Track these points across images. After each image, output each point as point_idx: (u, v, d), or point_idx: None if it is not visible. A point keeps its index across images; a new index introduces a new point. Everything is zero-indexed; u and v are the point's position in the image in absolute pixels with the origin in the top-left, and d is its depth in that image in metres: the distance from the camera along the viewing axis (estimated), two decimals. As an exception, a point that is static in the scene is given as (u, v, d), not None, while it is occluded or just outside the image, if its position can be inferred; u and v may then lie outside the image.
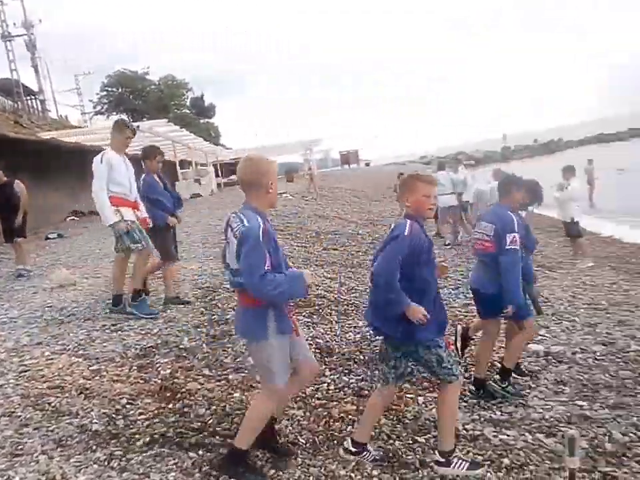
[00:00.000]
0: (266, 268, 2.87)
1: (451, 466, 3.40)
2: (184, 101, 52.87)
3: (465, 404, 4.42)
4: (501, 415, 4.23)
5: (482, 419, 4.16)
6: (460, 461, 3.45)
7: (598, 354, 5.35)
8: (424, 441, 3.84)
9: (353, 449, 3.52)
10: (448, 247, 12.04)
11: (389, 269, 3.19)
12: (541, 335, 5.97)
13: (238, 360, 4.88)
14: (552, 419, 4.10)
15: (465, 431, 3.96)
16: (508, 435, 3.90)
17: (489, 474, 3.42)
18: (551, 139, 64.52)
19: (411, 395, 4.50)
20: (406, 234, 3.22)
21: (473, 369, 4.83)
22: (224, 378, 4.55)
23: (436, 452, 3.49)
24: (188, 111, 52.16)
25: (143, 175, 6.36)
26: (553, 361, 5.26)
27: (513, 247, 4.30)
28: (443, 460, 3.42)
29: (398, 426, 4.04)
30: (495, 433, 3.93)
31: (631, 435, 3.79)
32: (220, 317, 5.83)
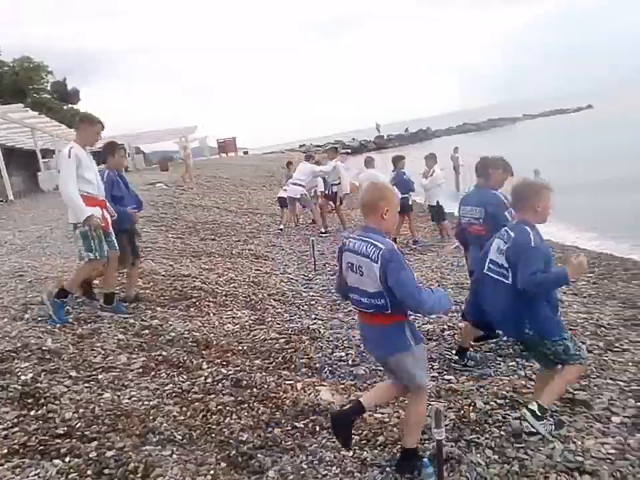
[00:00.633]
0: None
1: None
2: (44, 85, 48.92)
3: (342, 386, 4.52)
4: (376, 394, 4.36)
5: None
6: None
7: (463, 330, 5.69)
8: (302, 426, 3.88)
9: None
10: (281, 231, 12.10)
11: (536, 280, 3.34)
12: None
13: (109, 358, 4.62)
14: (424, 395, 4.30)
15: (342, 413, 4.04)
16: (383, 414, 4.04)
17: (365, 453, 3.52)
18: (420, 129, 67.88)
19: (290, 382, 4.52)
20: (534, 245, 3.41)
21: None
22: (93, 378, 4.29)
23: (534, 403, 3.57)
24: (49, 96, 48.36)
25: (106, 172, 5.92)
26: (425, 339, 5.52)
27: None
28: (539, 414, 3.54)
29: (277, 413, 4.04)
30: (371, 413, 4.04)
31: (492, 403, 4.07)
32: (88, 315, 5.48)
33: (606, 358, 4.81)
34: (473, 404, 4.07)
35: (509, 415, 3.88)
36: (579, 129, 41.74)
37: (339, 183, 12.33)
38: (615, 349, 5.01)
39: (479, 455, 3.45)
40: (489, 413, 3.94)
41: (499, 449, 3.51)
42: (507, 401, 4.10)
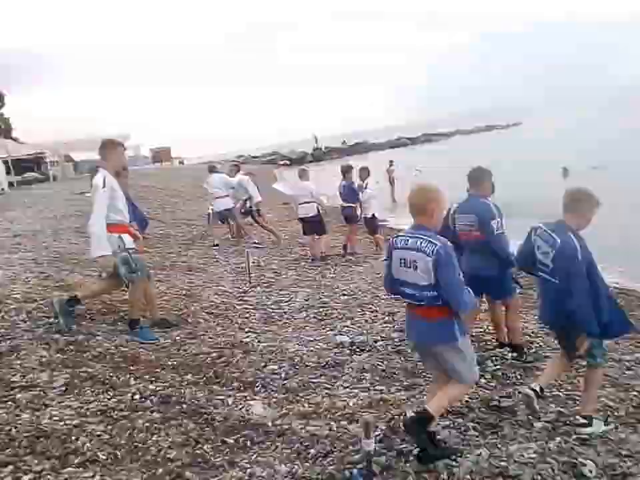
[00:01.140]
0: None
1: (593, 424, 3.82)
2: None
3: (275, 399, 4.48)
4: (308, 406, 4.35)
5: (290, 413, 4.24)
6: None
7: (396, 340, 5.78)
8: (233, 441, 3.81)
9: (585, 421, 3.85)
10: (217, 247, 11.76)
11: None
12: (347, 327, 6.31)
13: (29, 377, 4.39)
14: (355, 406, 4.33)
15: (273, 427, 4.00)
16: (315, 426, 4.02)
17: (296, 466, 3.49)
18: (357, 141, 68.80)
19: (221, 397, 4.43)
20: (581, 257, 3.65)
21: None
22: (10, 398, 4.05)
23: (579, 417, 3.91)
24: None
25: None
26: (357, 350, 5.57)
27: (500, 232, 4.79)
28: (585, 421, 3.85)
29: (207, 429, 3.95)
30: (302, 426, 4.03)
31: (421, 412, 4.13)
32: (6, 332, 5.19)
33: (530, 365, 4.99)
34: (403, 413, 4.12)
35: (438, 424, 3.94)
36: (507, 144, 43.54)
37: (248, 198, 12.47)
38: (538, 357, 5.21)
39: (408, 465, 3.49)
40: (419, 422, 3.99)
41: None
42: (437, 409, 4.17)
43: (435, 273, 3.28)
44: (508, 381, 4.71)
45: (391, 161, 24.31)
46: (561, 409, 4.12)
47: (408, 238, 3.45)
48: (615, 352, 5.17)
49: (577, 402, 4.18)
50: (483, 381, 4.67)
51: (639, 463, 3.42)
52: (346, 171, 11.14)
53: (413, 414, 3.61)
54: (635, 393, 4.40)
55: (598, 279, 3.74)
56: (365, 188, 10.97)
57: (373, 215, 11.02)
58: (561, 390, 4.48)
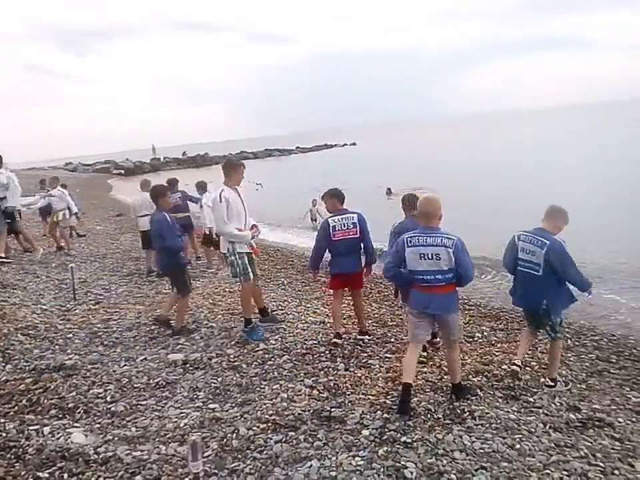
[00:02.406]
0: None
1: (557, 385, 5.01)
2: None
3: (98, 425, 4.16)
4: (136, 430, 4.11)
5: (115, 438, 3.96)
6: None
7: (232, 356, 5.70)
8: (47, 475, 3.46)
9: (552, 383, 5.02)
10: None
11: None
12: (180, 344, 6.09)
13: None
14: (186, 427, 4.17)
15: (96, 455, 3.70)
16: (142, 451, 3.80)
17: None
18: (198, 153, 67.66)
19: (35, 427, 4.01)
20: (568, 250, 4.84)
21: None
22: None
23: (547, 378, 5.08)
24: None
25: (162, 213, 6.57)
26: (190, 368, 5.40)
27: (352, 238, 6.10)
28: (552, 383, 5.01)
29: (17, 465, 3.54)
30: (129, 451, 3.78)
31: (254, 428, 4.11)
32: None
33: (359, 375, 5.20)
34: (236, 431, 4.06)
35: (270, 439, 3.93)
36: (341, 162, 45.85)
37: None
38: (367, 366, 5.46)
39: (240, 484, 3.43)
40: (252, 438, 3.96)
41: (258, 473, 3.53)
42: (270, 424, 4.17)
43: (455, 260, 4.33)
44: (339, 391, 4.85)
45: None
46: (387, 416, 4.32)
47: (427, 237, 4.43)
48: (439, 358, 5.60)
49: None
50: (315, 392, 4.78)
51: (453, 461, 3.69)
52: (203, 185, 11.25)
53: (451, 386, 4.75)
54: (448, 393, 4.78)
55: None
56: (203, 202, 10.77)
57: (210, 229, 10.80)
58: (388, 397, 4.72)
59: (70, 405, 4.45)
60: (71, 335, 6.29)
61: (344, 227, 6.08)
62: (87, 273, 9.78)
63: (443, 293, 4.51)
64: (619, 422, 4.34)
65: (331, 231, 6.07)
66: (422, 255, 4.44)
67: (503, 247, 5.32)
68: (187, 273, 6.86)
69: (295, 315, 7.31)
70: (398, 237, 4.92)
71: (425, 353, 5.55)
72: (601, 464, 3.66)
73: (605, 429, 4.20)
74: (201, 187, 11.26)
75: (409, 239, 4.52)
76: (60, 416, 4.28)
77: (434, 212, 4.49)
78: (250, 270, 6.27)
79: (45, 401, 4.49)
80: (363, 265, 6.24)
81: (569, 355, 5.95)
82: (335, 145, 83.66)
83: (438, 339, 5.74)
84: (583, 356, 5.90)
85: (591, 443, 3.96)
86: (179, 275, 6.67)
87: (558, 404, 4.65)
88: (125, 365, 5.45)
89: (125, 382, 4.98)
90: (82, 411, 4.38)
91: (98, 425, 4.18)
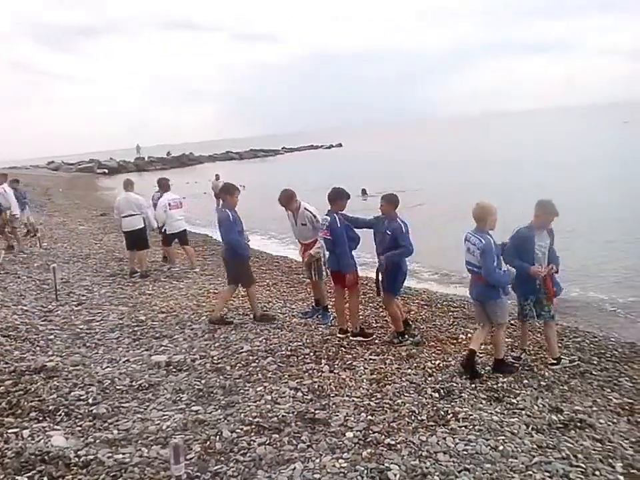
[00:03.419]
0: (495, 264, 5.22)
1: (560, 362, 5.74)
2: None
3: (80, 428, 4.11)
4: (118, 433, 4.06)
5: (97, 441, 3.91)
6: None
7: (215, 358, 5.67)
8: (27, 479, 3.40)
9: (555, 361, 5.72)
10: None
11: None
12: (164, 346, 6.05)
13: None
14: (169, 429, 4.12)
15: (76, 458, 3.65)
16: (124, 454, 3.75)
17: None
18: (183, 153, 67.16)
19: (15, 430, 3.95)
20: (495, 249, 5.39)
21: None
22: None
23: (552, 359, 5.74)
24: None
25: (225, 210, 6.99)
26: (174, 370, 5.35)
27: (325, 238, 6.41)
28: (555, 361, 5.72)
29: (-5, 469, 3.49)
30: (110, 454, 3.74)
31: (238, 430, 4.08)
32: None
33: (344, 376, 5.20)
34: (219, 433, 4.03)
35: (253, 441, 3.91)
36: (326, 163, 45.93)
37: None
38: (351, 367, 5.46)
39: (223, 487, 3.40)
40: (235, 441, 3.94)
41: (241, 476, 3.51)
42: (253, 426, 4.15)
43: (480, 257, 5.20)
44: (323, 393, 4.84)
45: (217, 175, 24.14)
46: (371, 418, 4.33)
47: (471, 236, 5.34)
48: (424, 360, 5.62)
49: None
50: (299, 394, 4.76)
51: (437, 462, 3.70)
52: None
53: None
54: (432, 394, 4.81)
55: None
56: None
57: (184, 230, 10.75)
58: (372, 399, 4.72)
59: (50, 408, 4.38)
60: (52, 336, 6.23)
61: (323, 227, 6.45)
62: (69, 274, 9.68)
63: (481, 283, 5.38)
64: (600, 423, 4.40)
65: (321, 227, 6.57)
66: (468, 249, 5.40)
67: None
68: (248, 265, 7.39)
69: (279, 316, 7.30)
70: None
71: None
72: (582, 465, 3.70)
73: (587, 430, 4.25)
74: (164, 185, 10.80)
75: (466, 235, 5.45)
76: (40, 418, 4.22)
77: (481, 216, 5.30)
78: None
79: (25, 403, 4.42)
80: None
81: (552, 356, 5.99)
82: (321, 146, 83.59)
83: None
84: (565, 357, 5.94)
85: (573, 444, 4.00)
86: (240, 267, 7.10)
87: (540, 405, 4.69)
88: (108, 366, 5.39)
89: (107, 384, 4.92)
90: (63, 414, 4.32)
91: (79, 428, 4.12)
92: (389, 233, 6.11)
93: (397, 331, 6.40)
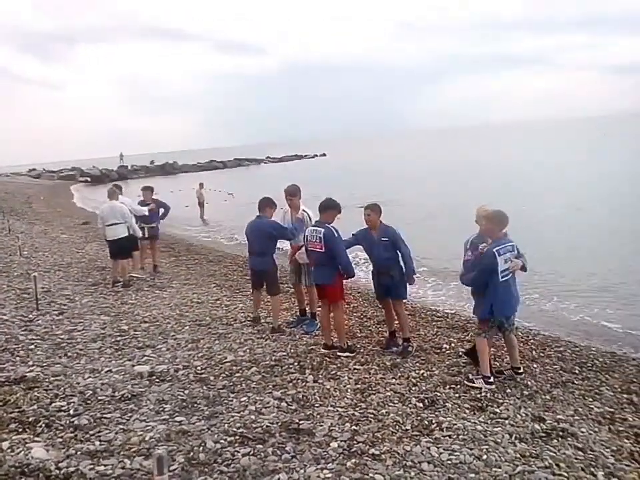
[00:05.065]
0: None
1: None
2: None
3: (60, 439, 4.05)
4: (100, 444, 4.00)
5: (78, 453, 3.86)
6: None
7: (199, 368, 5.63)
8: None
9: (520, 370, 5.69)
10: None
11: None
12: (146, 356, 5.99)
13: None
14: (152, 440, 4.08)
15: (57, 471, 3.60)
16: (106, 466, 3.71)
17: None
18: (167, 162, 66.81)
19: (-5, 441, 3.89)
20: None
21: None
22: None
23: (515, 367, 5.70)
24: None
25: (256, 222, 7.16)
26: (157, 380, 5.30)
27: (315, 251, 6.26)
28: (520, 370, 5.70)
29: (-26, 481, 3.42)
30: (92, 466, 3.69)
31: (222, 441, 4.05)
32: None
33: (328, 386, 5.19)
34: (203, 444, 4.00)
35: (237, 452, 3.89)
36: (314, 172, 45.98)
37: None
38: (335, 377, 5.45)
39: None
40: (219, 452, 3.91)
41: (226, 489, 3.49)
42: (237, 437, 4.12)
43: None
44: (308, 403, 4.82)
45: (201, 183, 24.08)
46: (356, 428, 4.32)
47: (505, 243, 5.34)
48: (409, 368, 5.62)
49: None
50: (283, 404, 4.75)
51: (421, 472, 3.71)
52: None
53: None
54: (416, 404, 4.82)
55: None
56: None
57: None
58: (356, 409, 4.72)
59: (31, 419, 4.31)
60: (33, 346, 6.13)
61: (313, 239, 6.19)
62: (50, 283, 9.56)
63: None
64: (582, 432, 4.43)
65: (306, 240, 6.38)
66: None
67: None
68: (276, 275, 7.53)
69: (264, 326, 7.27)
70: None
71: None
72: (565, 474, 3.73)
73: (569, 438, 4.28)
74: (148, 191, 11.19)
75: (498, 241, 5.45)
76: (20, 430, 4.14)
77: (496, 221, 5.37)
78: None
79: (4, 414, 4.35)
80: (333, 278, 6.21)
81: (535, 365, 6.05)
82: (306, 156, 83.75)
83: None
84: (547, 367, 6.00)
85: (555, 452, 4.03)
86: (269, 276, 7.23)
87: (523, 414, 4.72)
88: (90, 377, 5.32)
89: (89, 394, 4.86)
90: (43, 425, 4.25)
91: (60, 439, 4.06)
92: (385, 240, 6.13)
93: (403, 338, 6.43)
